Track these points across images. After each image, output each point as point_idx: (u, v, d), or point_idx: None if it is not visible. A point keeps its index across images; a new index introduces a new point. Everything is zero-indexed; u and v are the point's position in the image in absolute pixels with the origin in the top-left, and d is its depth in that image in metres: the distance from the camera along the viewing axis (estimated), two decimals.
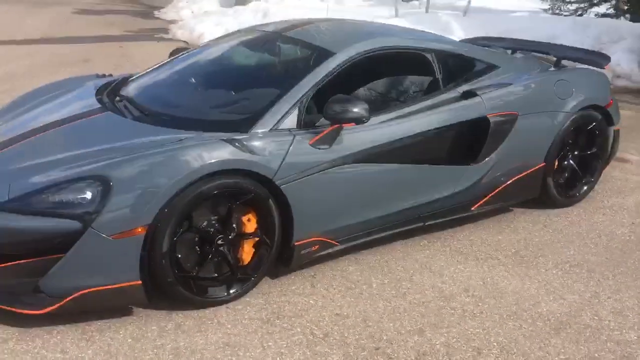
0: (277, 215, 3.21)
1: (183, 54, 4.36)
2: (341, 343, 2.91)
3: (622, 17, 13.25)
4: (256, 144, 3.12)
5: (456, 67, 4.10)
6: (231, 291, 3.17)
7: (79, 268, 2.84)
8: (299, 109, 3.34)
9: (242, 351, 2.83)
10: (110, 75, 4.48)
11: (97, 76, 4.39)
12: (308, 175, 3.24)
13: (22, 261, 2.87)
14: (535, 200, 4.43)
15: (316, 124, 3.38)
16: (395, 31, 4.43)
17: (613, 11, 13.70)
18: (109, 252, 2.84)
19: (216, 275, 3.15)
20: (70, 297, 2.83)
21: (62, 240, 2.81)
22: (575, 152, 4.53)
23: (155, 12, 16.19)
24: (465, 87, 3.99)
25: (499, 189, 4.12)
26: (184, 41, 11.91)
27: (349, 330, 3.01)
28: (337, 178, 3.35)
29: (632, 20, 12.69)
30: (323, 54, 3.61)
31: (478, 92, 3.94)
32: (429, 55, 3.95)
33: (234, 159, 3.02)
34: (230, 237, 3.13)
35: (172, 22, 14.36)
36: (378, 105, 3.85)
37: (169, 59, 4.35)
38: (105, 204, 2.79)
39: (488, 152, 3.98)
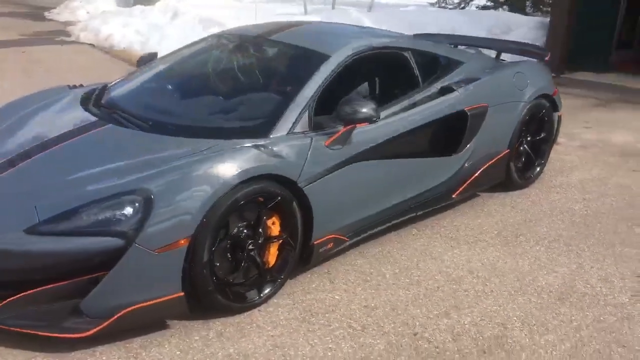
0: (299, 217, 3.30)
1: (161, 60, 4.30)
2: (380, 333, 3.07)
3: (499, 9, 14.26)
4: (279, 148, 3.20)
5: (430, 64, 4.36)
6: (262, 294, 3.23)
7: (123, 285, 2.79)
8: (308, 112, 3.44)
9: (293, 350, 2.91)
10: (82, 85, 4.32)
11: (70, 87, 4.23)
12: (325, 176, 3.36)
13: (58, 284, 2.79)
14: (497, 184, 4.80)
15: (324, 125, 3.49)
16: (371, 31, 4.60)
17: (491, 3, 14.72)
18: (153, 266, 2.82)
19: (244, 280, 3.20)
20: (116, 316, 2.78)
21: (103, 258, 2.75)
22: (528, 138, 4.93)
23: (46, 13, 15.35)
24: (441, 84, 4.25)
25: (475, 176, 4.43)
26: (90, 44, 11.47)
27: (383, 320, 3.17)
28: (348, 176, 3.50)
29: (511, 11, 13.70)
30: (319, 57, 3.72)
31: (454, 87, 4.22)
32: (407, 54, 4.18)
33: (264, 165, 3.08)
34: (259, 241, 3.19)
35: (68, 23, 13.72)
36: None
37: (148, 67, 4.26)
38: (148, 218, 2.76)
39: (466, 143, 4.27)
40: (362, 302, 3.33)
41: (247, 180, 3.01)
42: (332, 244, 3.54)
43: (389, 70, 4.11)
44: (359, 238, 3.75)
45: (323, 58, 3.70)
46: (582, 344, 3.04)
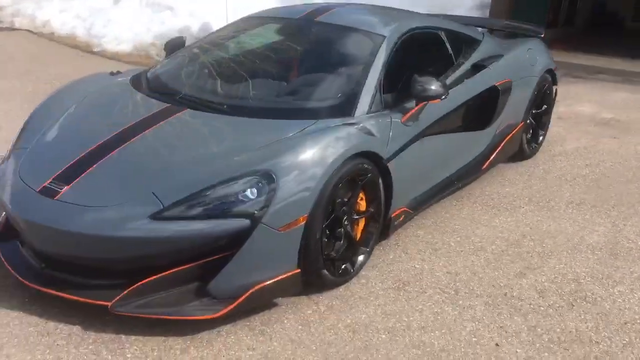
0: (382, 192, 3.44)
1: (206, 43, 4.27)
2: (473, 295, 3.28)
3: None
4: (368, 126, 3.32)
5: (459, 43, 4.57)
6: (355, 268, 3.35)
7: (249, 265, 2.84)
8: (379, 91, 3.58)
9: (405, 317, 3.07)
10: (119, 72, 4.22)
11: (112, 74, 4.13)
12: (402, 151, 3.51)
13: (181, 268, 2.81)
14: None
15: (393, 104, 3.63)
16: (407, 13, 4.74)
17: None
18: (276, 245, 2.88)
19: (339, 255, 3.30)
20: (244, 296, 2.83)
21: (227, 240, 2.78)
22: (534, 110, 5.28)
23: None
24: (471, 61, 4.48)
25: (499, 148, 4.72)
26: (27, 30, 10.89)
27: (469, 283, 3.38)
28: (417, 152, 3.66)
29: None
30: (376, 38, 3.83)
31: (486, 64, 4.46)
32: (441, 34, 4.37)
33: (362, 142, 3.20)
34: (353, 217, 3.30)
35: None
36: None
37: (192, 50, 4.21)
38: (273, 198, 2.82)
39: (496, 117, 4.54)
40: (442, 269, 3.52)
41: (350, 157, 3.11)
42: (403, 217, 3.71)
43: (428, 49, 4.28)
44: (419, 211, 3.94)
45: (380, 39, 3.83)
46: None
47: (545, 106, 5.40)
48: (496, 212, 4.28)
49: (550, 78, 5.31)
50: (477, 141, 4.45)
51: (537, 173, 5.04)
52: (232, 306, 2.82)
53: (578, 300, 3.27)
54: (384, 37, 3.84)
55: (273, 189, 2.83)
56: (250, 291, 2.85)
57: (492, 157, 4.65)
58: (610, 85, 8.67)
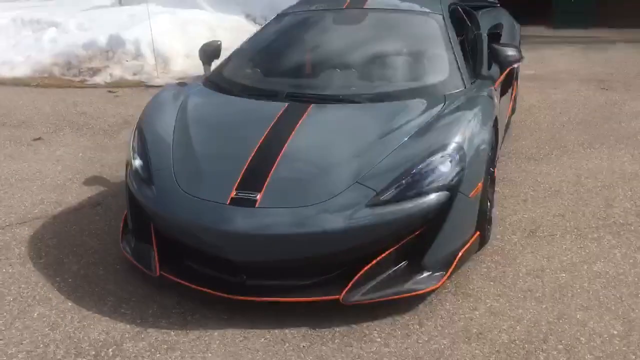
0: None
1: (269, 40, 4.29)
2: (628, 230, 3.75)
3: None
4: (486, 94, 3.62)
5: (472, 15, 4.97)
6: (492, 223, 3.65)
7: (453, 234, 3.02)
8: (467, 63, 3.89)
9: (585, 261, 3.42)
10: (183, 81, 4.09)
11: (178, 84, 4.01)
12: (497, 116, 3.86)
13: (395, 247, 2.92)
14: None
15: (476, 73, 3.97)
16: None
17: None
18: (469, 211, 3.10)
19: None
20: (454, 264, 3.02)
21: (435, 213, 2.94)
22: None
23: None
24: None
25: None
26: None
27: (614, 221, 3.83)
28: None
29: None
30: (436, 17, 4.12)
31: (499, 31, 4.92)
32: (459, 8, 4.75)
33: (494, 108, 3.51)
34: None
35: None
36: None
37: (248, 50, 4.21)
38: (464, 168, 3.03)
39: None
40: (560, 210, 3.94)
41: (493, 122, 3.42)
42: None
43: (463, 23, 4.65)
44: None
45: (440, 17, 4.12)
46: None
47: None
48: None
49: None
50: None
51: (547, 120, 5.74)
52: (447, 274, 2.99)
53: None
54: (442, 15, 4.14)
55: (463, 159, 3.04)
56: (458, 257, 3.04)
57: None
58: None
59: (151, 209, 3.13)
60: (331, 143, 3.22)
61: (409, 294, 2.92)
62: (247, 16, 10.82)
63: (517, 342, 2.74)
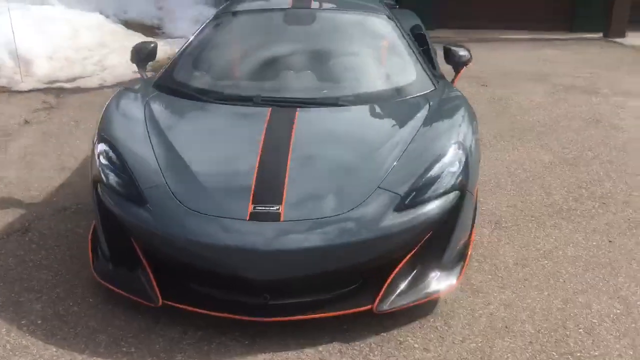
0: None
1: (220, 45, 3.99)
2: None
3: None
4: (459, 93, 3.72)
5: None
6: None
7: (463, 230, 3.05)
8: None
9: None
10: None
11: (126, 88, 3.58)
12: None
13: (415, 250, 2.88)
14: None
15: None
16: None
17: None
18: (472, 207, 3.15)
19: None
20: (467, 260, 3.07)
21: (450, 212, 2.95)
22: None
23: None
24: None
25: None
26: None
27: None
28: None
29: None
30: (385, 18, 4.14)
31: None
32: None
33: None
34: None
35: None
36: None
37: (197, 52, 3.89)
38: (468, 166, 3.07)
39: None
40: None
41: None
42: None
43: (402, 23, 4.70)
44: None
45: (386, 18, 4.15)
46: None
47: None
48: None
49: None
50: None
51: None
52: (463, 272, 3.02)
53: None
54: (387, 14, 4.19)
55: (467, 158, 3.08)
56: (469, 253, 3.09)
57: None
58: None
59: (146, 230, 2.78)
60: (335, 149, 3.11)
61: (436, 295, 2.91)
62: (101, 13, 10.07)
63: (542, 331, 2.85)
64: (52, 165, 4.67)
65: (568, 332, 2.84)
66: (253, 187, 2.80)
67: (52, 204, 4.04)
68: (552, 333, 2.83)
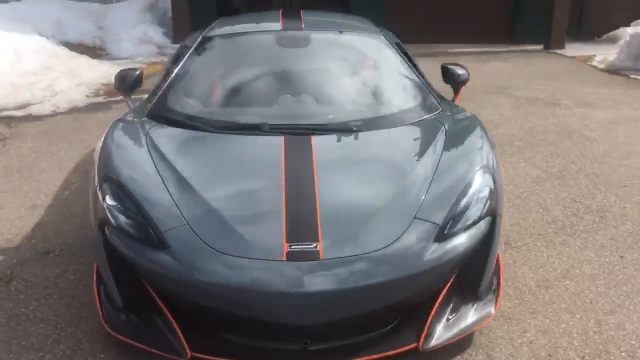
0: None
1: (223, 70, 3.79)
2: None
3: None
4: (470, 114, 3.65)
5: None
6: None
7: (494, 255, 2.92)
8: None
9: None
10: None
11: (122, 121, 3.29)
12: None
13: (451, 281, 2.75)
14: None
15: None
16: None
17: None
18: (501, 231, 3.05)
19: None
20: (501, 283, 2.97)
21: (485, 237, 2.83)
22: None
23: None
24: None
25: None
26: None
27: None
28: None
29: None
30: (382, 39, 4.02)
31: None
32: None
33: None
34: None
35: None
36: None
37: (196, 81, 3.64)
38: (496, 188, 2.97)
39: None
40: None
41: None
42: None
43: None
44: None
45: (384, 39, 4.04)
46: None
47: None
48: None
49: None
50: None
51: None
52: (500, 296, 2.91)
53: None
54: (383, 34, 4.07)
55: (493, 182, 2.98)
56: (501, 279, 2.98)
57: None
58: None
59: (168, 276, 2.52)
60: (360, 177, 2.95)
61: (478, 327, 2.78)
62: (40, 35, 9.54)
63: (587, 358, 2.76)
64: (21, 204, 4.29)
65: (612, 358, 2.76)
66: (284, 223, 2.60)
67: (32, 247, 3.68)
68: (597, 359, 2.75)
